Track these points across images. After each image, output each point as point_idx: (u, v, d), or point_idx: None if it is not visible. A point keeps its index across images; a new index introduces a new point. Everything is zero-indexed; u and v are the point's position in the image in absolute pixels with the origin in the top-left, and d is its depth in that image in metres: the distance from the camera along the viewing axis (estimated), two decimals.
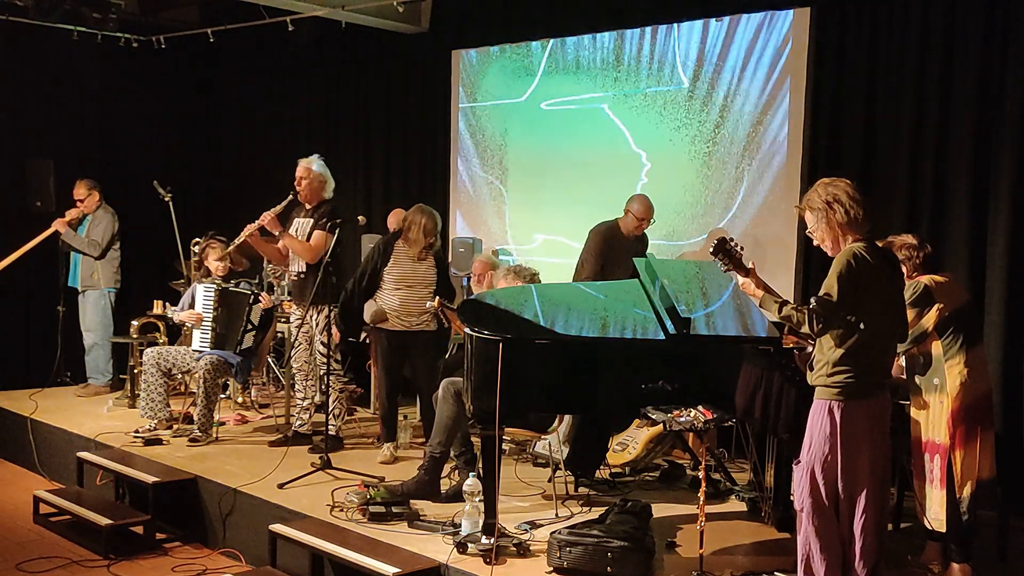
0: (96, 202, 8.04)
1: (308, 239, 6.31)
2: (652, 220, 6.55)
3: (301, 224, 6.41)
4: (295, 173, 6.43)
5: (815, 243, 3.86)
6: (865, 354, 3.67)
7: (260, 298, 6.76)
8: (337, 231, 6.07)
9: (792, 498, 3.86)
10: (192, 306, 6.95)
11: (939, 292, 4.26)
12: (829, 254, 3.82)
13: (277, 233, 6.34)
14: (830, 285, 3.62)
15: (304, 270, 6.36)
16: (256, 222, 6.33)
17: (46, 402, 7.70)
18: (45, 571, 5.26)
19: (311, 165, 6.42)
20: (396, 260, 6.15)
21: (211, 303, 6.84)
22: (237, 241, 6.50)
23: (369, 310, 6.29)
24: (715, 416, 4.58)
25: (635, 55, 7.20)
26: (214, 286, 6.87)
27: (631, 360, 4.62)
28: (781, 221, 6.47)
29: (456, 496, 5.14)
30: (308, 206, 6.44)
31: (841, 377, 3.65)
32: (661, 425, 5.07)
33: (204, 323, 6.82)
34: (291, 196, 6.41)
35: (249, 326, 6.76)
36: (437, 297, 5.96)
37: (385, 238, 6.34)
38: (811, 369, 3.79)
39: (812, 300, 3.63)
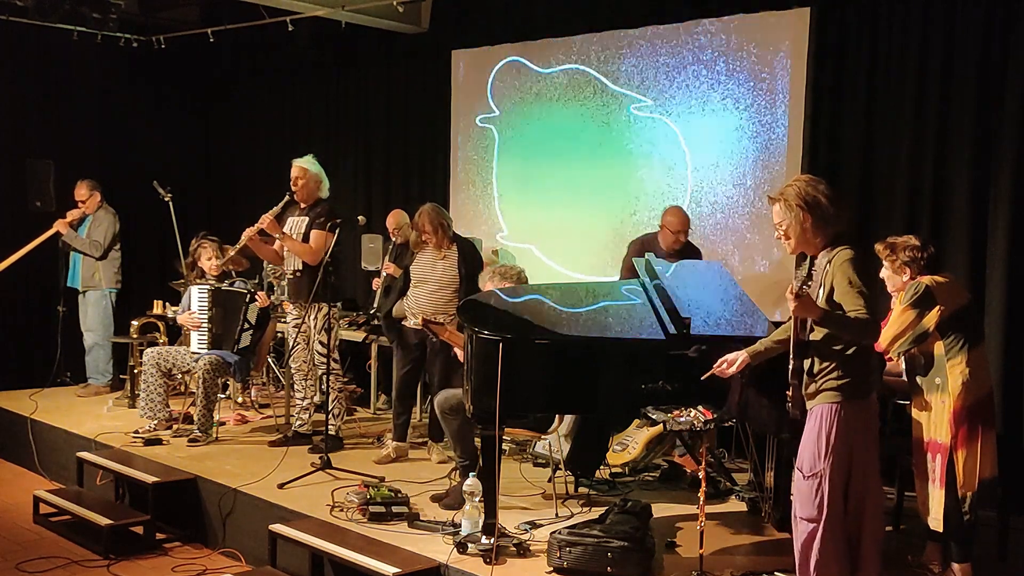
0: (97, 203, 8.05)
1: (304, 238, 6.31)
2: (689, 230, 6.25)
3: (296, 223, 6.41)
4: (290, 173, 6.44)
5: (776, 236, 3.83)
6: (864, 353, 3.70)
7: (256, 297, 6.77)
8: (337, 231, 6.07)
9: (795, 502, 3.81)
10: (189, 308, 6.95)
11: (940, 292, 4.25)
12: (788, 251, 3.83)
13: (278, 236, 6.33)
14: (859, 287, 3.56)
15: (300, 268, 6.36)
16: (255, 225, 6.31)
17: (46, 402, 7.70)
18: (45, 571, 5.26)
19: (306, 165, 6.43)
20: (416, 258, 6.20)
21: (205, 304, 6.84)
22: (237, 246, 6.49)
23: (399, 306, 6.35)
24: (715, 416, 4.58)
25: (635, 55, 7.19)
26: (207, 287, 6.88)
27: (631, 360, 4.61)
28: None
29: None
30: (303, 205, 6.44)
31: (848, 379, 3.66)
32: (661, 425, 5.07)
33: (200, 325, 6.83)
34: (287, 197, 6.41)
35: (246, 325, 6.77)
36: (421, 316, 5.87)
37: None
38: (811, 376, 3.72)
39: (859, 311, 3.55)
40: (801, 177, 3.82)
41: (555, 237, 7.73)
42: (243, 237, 6.35)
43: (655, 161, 7.11)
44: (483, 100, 8.17)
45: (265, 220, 6.28)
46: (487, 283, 5.60)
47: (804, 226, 3.70)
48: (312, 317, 6.34)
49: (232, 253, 6.69)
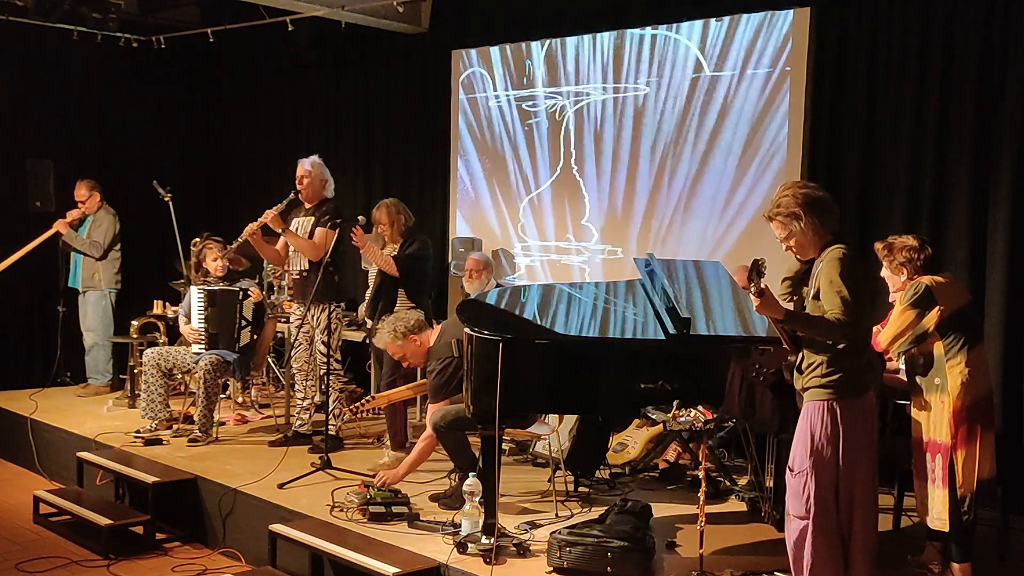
0: (97, 203, 8.05)
1: (310, 237, 6.31)
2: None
3: (301, 223, 6.41)
4: (296, 173, 6.45)
5: (784, 249, 3.83)
6: (857, 351, 3.68)
7: (249, 293, 6.77)
8: (338, 230, 6.09)
9: (787, 499, 3.81)
10: (189, 310, 6.96)
11: (940, 292, 4.25)
12: (801, 259, 3.82)
13: (280, 231, 6.33)
14: (839, 288, 3.57)
15: (307, 268, 6.36)
16: (258, 221, 6.32)
17: (46, 402, 7.71)
18: (45, 571, 5.27)
19: (312, 165, 6.44)
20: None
21: (202, 305, 6.85)
22: (239, 241, 6.49)
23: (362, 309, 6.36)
24: (715, 416, 4.58)
25: (635, 55, 7.20)
26: (204, 288, 6.88)
27: (631, 360, 4.61)
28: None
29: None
30: (308, 205, 6.45)
31: (837, 376, 3.64)
32: (661, 425, 5.07)
33: (198, 327, 6.83)
34: (292, 195, 6.41)
35: (243, 322, 6.77)
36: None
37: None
38: (799, 372, 3.75)
39: (832, 311, 3.56)
40: (784, 185, 3.82)
41: (555, 237, 7.73)
42: (245, 232, 6.35)
43: (657, 160, 7.11)
44: (483, 99, 8.17)
45: (268, 215, 6.26)
46: (387, 341, 5.48)
47: (814, 226, 3.69)
48: (315, 317, 6.34)
49: (233, 247, 6.67)
